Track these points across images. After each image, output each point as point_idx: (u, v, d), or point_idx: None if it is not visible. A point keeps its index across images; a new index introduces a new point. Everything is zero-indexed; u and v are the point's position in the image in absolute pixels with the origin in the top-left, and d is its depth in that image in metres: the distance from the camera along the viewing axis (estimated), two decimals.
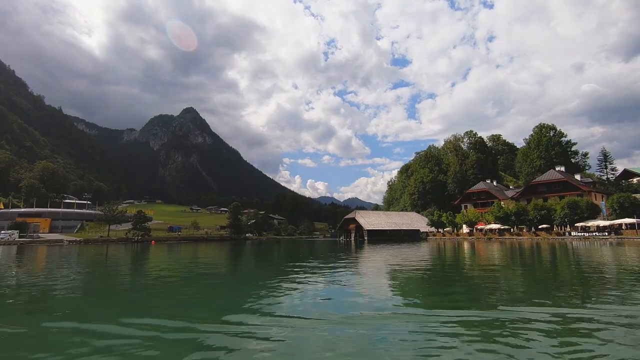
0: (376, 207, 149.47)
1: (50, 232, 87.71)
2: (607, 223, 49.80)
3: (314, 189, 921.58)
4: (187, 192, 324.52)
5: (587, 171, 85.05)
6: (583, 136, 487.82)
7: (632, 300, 8.72)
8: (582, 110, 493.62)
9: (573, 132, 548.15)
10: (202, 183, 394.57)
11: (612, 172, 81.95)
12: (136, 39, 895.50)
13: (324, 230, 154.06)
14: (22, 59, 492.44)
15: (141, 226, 75.05)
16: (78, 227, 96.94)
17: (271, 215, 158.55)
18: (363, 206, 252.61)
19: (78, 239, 72.69)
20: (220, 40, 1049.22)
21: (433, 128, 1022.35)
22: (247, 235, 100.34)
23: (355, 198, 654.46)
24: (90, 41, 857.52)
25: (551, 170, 69.58)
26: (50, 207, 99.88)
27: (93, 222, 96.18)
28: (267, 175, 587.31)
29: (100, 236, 77.57)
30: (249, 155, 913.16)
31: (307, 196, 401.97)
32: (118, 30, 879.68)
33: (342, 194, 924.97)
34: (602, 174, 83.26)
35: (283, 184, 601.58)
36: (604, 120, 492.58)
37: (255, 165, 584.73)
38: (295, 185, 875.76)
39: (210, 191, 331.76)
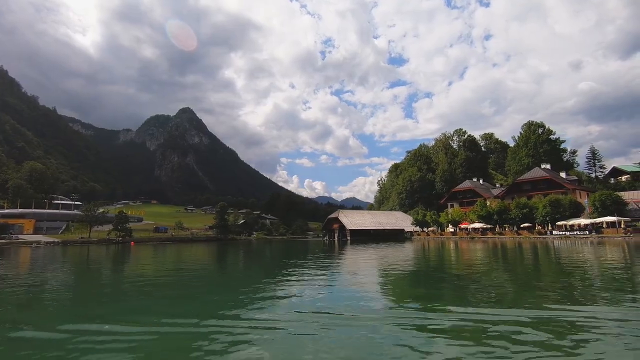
0: (371, 207, 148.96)
1: (35, 233, 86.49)
2: (588, 221, 48.83)
3: (311, 188, 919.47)
4: (184, 193, 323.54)
5: (576, 169, 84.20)
6: (580, 134, 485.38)
7: (618, 300, 8.84)
8: (580, 108, 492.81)
9: (570, 131, 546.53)
10: (198, 183, 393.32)
11: (601, 170, 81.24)
12: (131, 38, 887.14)
13: (319, 230, 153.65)
14: (15, 58, 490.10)
15: (122, 227, 74.01)
16: (63, 228, 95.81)
17: (263, 215, 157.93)
18: (360, 206, 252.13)
19: (57, 240, 71.54)
20: (217, 39, 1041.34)
21: (430, 127, 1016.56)
22: (233, 235, 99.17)
23: (353, 197, 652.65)
24: (85, 40, 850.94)
25: (536, 168, 68.40)
26: (35, 208, 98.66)
27: (78, 223, 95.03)
28: (265, 175, 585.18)
29: (81, 237, 76.42)
30: (246, 155, 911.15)
31: (305, 196, 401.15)
32: (113, 29, 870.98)
33: (340, 194, 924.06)
34: (591, 172, 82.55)
35: (280, 184, 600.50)
36: (601, 118, 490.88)
37: (253, 165, 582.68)
38: (292, 185, 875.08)
39: (207, 191, 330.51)
